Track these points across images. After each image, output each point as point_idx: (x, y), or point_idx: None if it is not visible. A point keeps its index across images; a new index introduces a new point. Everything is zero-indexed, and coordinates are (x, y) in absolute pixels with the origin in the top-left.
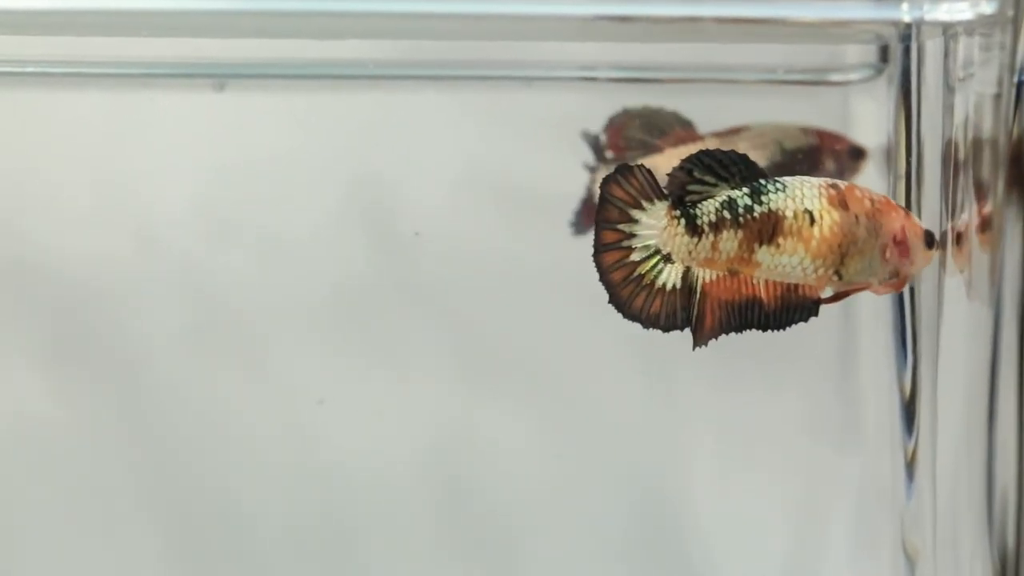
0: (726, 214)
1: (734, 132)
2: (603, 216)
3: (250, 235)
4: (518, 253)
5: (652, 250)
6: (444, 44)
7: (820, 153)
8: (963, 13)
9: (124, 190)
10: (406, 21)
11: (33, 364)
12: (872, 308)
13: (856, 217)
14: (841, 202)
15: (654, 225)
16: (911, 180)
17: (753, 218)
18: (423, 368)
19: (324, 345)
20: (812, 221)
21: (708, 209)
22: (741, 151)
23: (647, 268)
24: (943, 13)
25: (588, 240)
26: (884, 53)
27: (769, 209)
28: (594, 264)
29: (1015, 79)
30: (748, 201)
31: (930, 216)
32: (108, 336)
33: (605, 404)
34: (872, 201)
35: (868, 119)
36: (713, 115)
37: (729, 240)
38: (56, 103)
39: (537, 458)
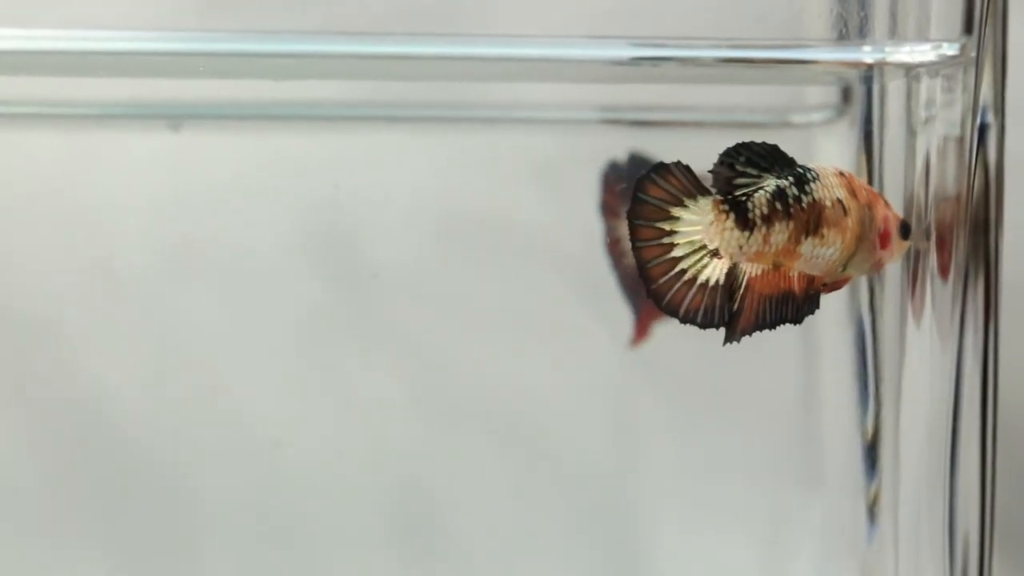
0: (777, 205)
1: None
2: (638, 214)
3: (208, 273)
4: (477, 290)
5: (697, 246)
6: (402, 85)
7: None
8: (926, 54)
9: (81, 228)
10: (363, 63)
11: None
12: (833, 349)
13: (863, 207)
14: (851, 191)
15: (698, 221)
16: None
17: (802, 208)
18: (381, 400)
19: (282, 382)
20: (844, 211)
21: (760, 202)
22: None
23: (691, 263)
24: (905, 54)
25: (546, 277)
26: (846, 94)
27: (813, 199)
28: (635, 259)
29: (978, 121)
30: (796, 191)
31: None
32: (64, 373)
33: (566, 443)
34: (866, 190)
35: (830, 160)
36: (674, 157)
37: (780, 232)
38: (12, 142)
39: (498, 489)
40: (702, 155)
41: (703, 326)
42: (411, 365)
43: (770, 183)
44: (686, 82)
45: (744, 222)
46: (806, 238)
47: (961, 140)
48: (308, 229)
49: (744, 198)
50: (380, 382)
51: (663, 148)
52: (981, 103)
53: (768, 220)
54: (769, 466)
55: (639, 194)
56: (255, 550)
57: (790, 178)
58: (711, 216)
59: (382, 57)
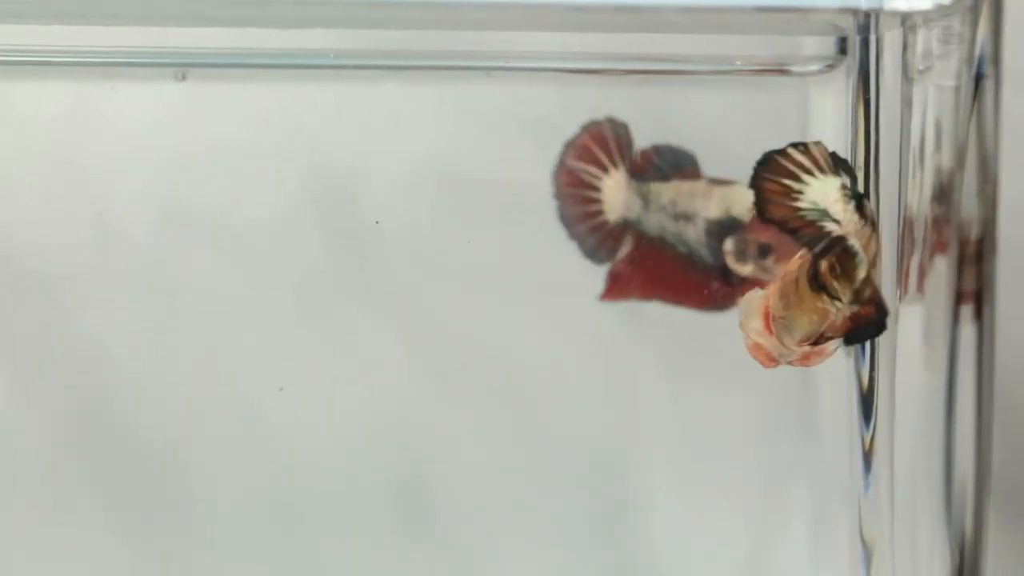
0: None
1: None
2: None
3: (209, 226)
4: (478, 245)
5: (820, 213)
6: (407, 34)
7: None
8: (922, 3)
9: (81, 181)
10: (368, 9)
11: None
12: None
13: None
14: None
15: (824, 196)
16: (869, 173)
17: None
18: (381, 361)
19: (282, 337)
20: None
21: (870, 202)
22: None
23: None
24: (902, 2)
25: (547, 237)
26: (842, 45)
27: None
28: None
29: (973, 72)
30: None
31: (888, 211)
32: (64, 327)
33: (563, 397)
34: None
35: (826, 112)
36: (670, 108)
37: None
38: (15, 91)
39: (495, 450)
40: (695, 107)
41: None
42: (410, 324)
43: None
44: (681, 31)
45: (861, 210)
46: None
47: (958, 91)
48: (309, 179)
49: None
50: (379, 341)
51: (657, 99)
52: (977, 54)
53: (871, 221)
54: (763, 416)
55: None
56: (253, 503)
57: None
58: (837, 194)
59: (386, 4)
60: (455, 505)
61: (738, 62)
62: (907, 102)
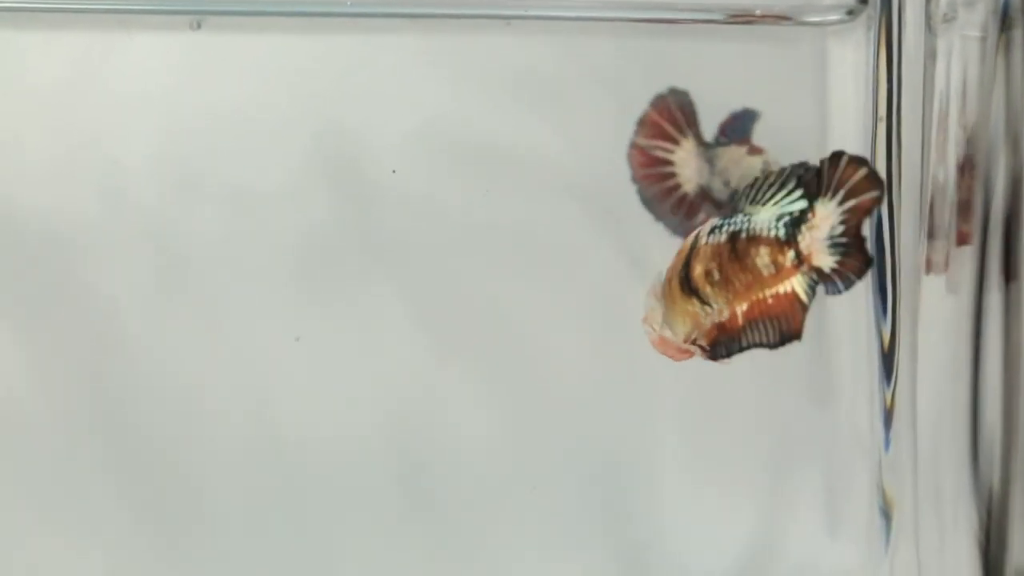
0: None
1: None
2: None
3: (219, 184)
4: (485, 204)
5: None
6: None
7: None
8: None
9: (89, 139)
10: None
11: None
12: None
13: None
14: None
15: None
16: (891, 129)
17: None
18: (385, 320)
19: (288, 297)
20: None
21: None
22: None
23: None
24: None
25: (555, 197)
26: None
27: None
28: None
29: (1000, 22)
30: None
31: (911, 169)
32: (73, 287)
33: (570, 358)
34: None
35: (845, 64)
36: (690, 57)
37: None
38: (22, 42)
39: (498, 412)
40: (716, 57)
41: None
42: (418, 284)
43: None
44: None
45: None
46: None
47: (984, 42)
48: (317, 138)
49: None
50: (386, 298)
51: (677, 49)
52: (1004, 1)
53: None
54: (779, 375)
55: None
56: (256, 462)
57: None
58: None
59: None
60: (455, 468)
61: (757, 11)
62: (931, 54)
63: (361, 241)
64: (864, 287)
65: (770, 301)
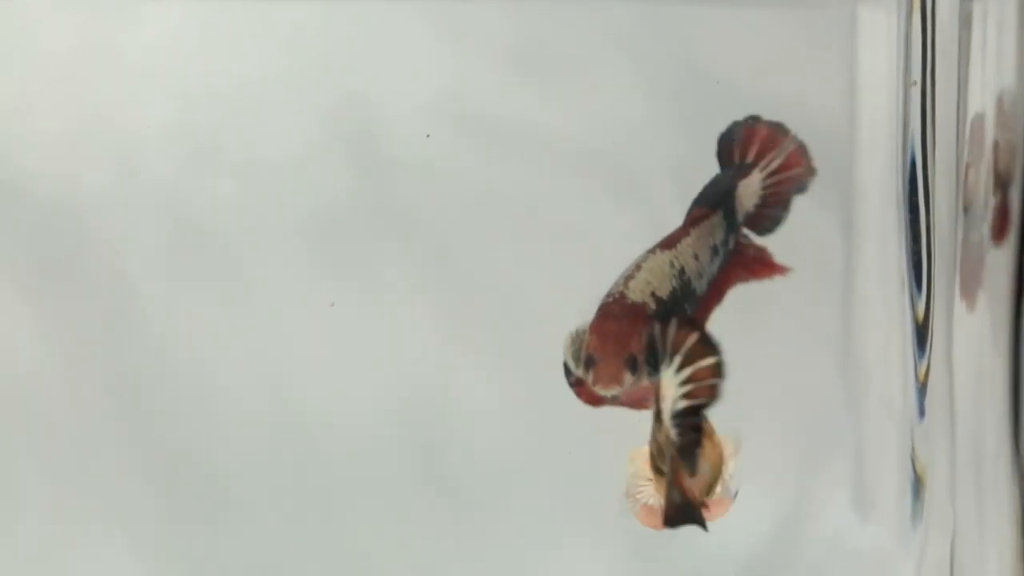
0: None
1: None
2: None
3: (232, 154)
4: (500, 176)
5: None
6: None
7: None
8: None
9: (103, 108)
10: None
11: (12, 286)
12: (881, 230)
13: None
14: None
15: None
16: (926, 98)
17: None
18: (401, 293)
19: (304, 269)
20: None
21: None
22: None
23: None
24: None
25: (569, 172)
26: None
27: None
28: None
29: None
30: None
31: (945, 141)
32: (90, 257)
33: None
34: None
35: (877, 31)
36: (713, 24)
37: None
38: (34, 7)
39: (516, 386)
40: (746, 28)
41: None
42: (431, 259)
43: None
44: None
45: None
46: None
47: (1022, 5)
48: (332, 109)
49: None
50: (400, 267)
51: (701, 14)
52: None
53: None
54: (808, 348)
55: None
56: (275, 436)
57: None
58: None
59: None
60: (476, 452)
61: None
62: (965, 19)
63: (377, 213)
64: (896, 257)
65: None
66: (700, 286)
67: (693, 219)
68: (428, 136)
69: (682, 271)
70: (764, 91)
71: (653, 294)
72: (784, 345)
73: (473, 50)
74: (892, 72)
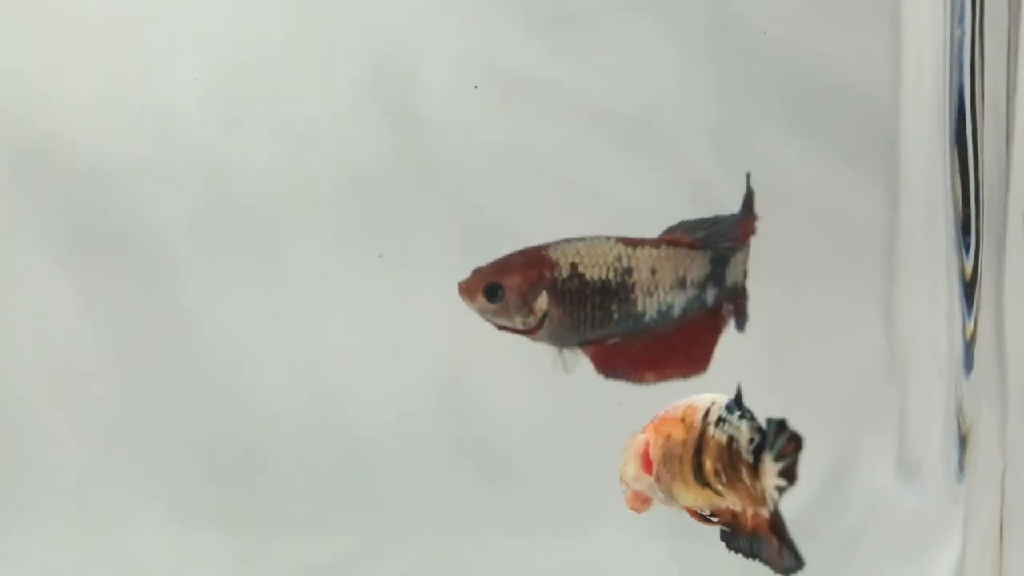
0: None
1: None
2: None
3: (265, 116)
4: (530, 137)
5: None
6: None
7: None
8: None
9: (139, 70)
10: None
11: (46, 255)
12: (927, 186)
13: None
14: None
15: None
16: (975, 67)
17: None
18: (433, 256)
19: (342, 232)
20: None
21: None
22: None
23: None
24: None
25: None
26: None
27: None
28: None
29: None
30: None
31: (994, 105)
32: (123, 226)
33: None
34: None
35: (919, 6)
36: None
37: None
38: None
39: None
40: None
41: None
42: (465, 208)
43: None
44: None
45: None
46: None
47: None
48: (364, 70)
49: None
50: (433, 226)
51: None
52: None
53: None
54: (852, 310)
55: None
56: (308, 400)
57: None
58: None
59: None
60: (500, 408)
61: None
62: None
63: (412, 174)
64: (943, 217)
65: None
66: (649, 308)
67: (670, 240)
68: (476, 88)
69: (628, 272)
70: (805, 45)
71: (574, 265)
72: (827, 306)
73: (508, 7)
74: (939, 20)
